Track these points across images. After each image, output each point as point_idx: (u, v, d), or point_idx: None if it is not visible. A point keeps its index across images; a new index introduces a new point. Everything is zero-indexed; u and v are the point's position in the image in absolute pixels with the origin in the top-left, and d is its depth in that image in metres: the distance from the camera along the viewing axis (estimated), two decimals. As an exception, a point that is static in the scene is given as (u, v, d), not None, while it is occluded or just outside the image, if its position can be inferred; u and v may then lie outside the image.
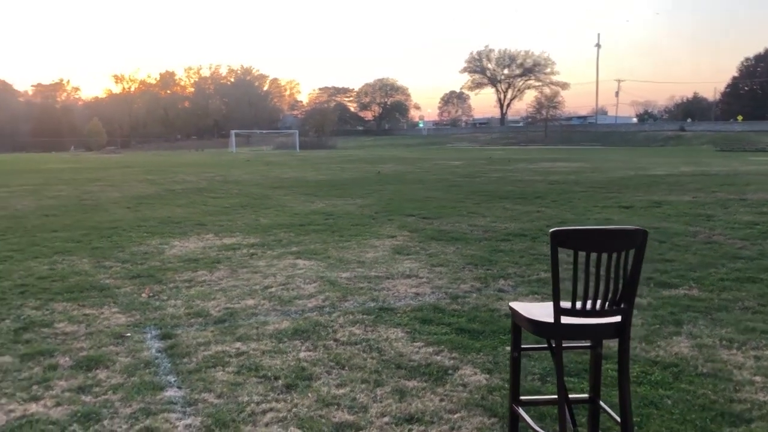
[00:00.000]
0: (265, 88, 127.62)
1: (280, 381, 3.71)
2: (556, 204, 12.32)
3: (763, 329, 4.54)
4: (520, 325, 2.81)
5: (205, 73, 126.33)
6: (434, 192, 15.22)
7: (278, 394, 3.52)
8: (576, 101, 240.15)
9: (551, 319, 2.56)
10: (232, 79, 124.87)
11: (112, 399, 3.47)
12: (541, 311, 2.70)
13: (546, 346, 2.86)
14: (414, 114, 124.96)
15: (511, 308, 2.88)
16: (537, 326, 2.63)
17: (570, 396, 3.02)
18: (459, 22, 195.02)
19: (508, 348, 4.19)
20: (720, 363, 3.93)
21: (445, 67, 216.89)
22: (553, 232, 2.47)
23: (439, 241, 8.25)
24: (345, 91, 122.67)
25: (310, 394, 3.51)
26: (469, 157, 38.50)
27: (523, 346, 2.95)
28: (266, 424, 3.16)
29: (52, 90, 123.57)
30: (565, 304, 2.55)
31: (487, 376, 3.78)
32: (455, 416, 3.24)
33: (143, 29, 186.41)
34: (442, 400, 3.44)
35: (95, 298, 5.58)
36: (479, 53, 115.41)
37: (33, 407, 3.36)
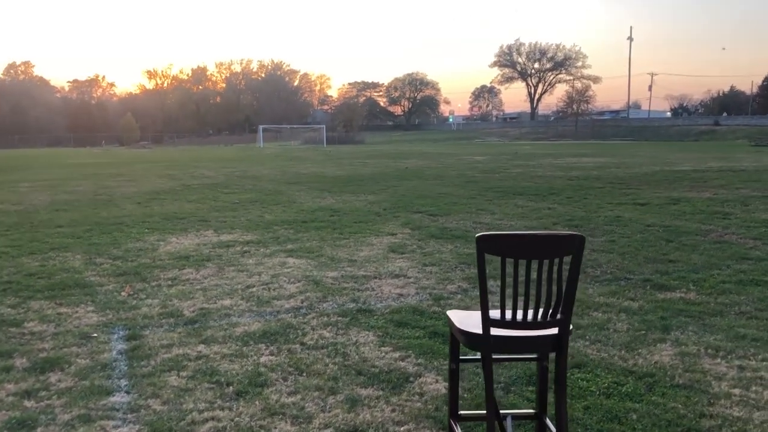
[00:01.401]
0: (296, 83, 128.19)
1: (231, 387, 3.58)
2: (570, 201, 12.02)
3: (754, 336, 4.28)
4: (455, 335, 2.63)
5: (237, 68, 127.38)
6: (449, 188, 15.00)
7: (225, 402, 3.39)
8: (608, 95, 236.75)
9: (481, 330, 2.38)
10: (263, 75, 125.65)
11: (54, 404, 3.37)
12: (475, 321, 2.52)
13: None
14: (444, 108, 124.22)
15: (447, 317, 2.70)
16: (467, 337, 2.45)
17: (515, 411, 2.84)
18: (489, 15, 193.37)
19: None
20: (699, 373, 3.69)
21: (475, 61, 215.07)
22: (478, 236, 2.30)
23: (438, 239, 8.06)
24: (375, 85, 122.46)
25: (257, 402, 3.38)
26: (494, 153, 38.06)
27: (462, 358, 2.76)
28: (202, 435, 3.03)
29: (87, 86, 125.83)
30: (495, 314, 2.37)
31: (446, 383, 3.59)
32: (402, 429, 3.07)
33: (176, 25, 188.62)
34: (393, 410, 3.27)
35: (74, 296, 5.52)
36: (509, 47, 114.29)
37: (-28, 412, 3.28)
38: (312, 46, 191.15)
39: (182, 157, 37.92)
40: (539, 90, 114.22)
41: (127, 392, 3.53)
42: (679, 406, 3.27)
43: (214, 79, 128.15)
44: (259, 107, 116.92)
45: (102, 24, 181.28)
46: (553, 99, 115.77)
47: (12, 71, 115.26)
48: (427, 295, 5.47)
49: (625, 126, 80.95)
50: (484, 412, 3.00)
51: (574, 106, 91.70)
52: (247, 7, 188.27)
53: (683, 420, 3.11)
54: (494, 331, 2.36)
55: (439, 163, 26.15)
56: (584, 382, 3.61)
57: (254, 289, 5.69)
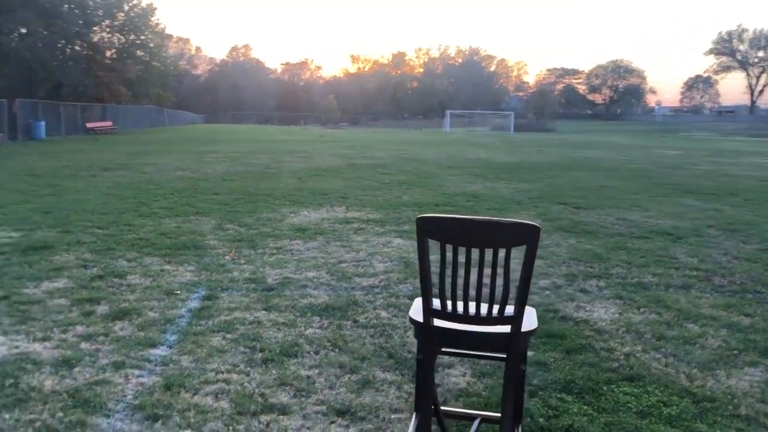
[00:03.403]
0: (492, 69, 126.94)
1: (261, 354, 3.67)
2: (746, 204, 10.68)
3: None
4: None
5: (435, 53, 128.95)
6: (615, 181, 14.02)
7: (247, 367, 3.49)
8: None
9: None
10: (460, 60, 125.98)
11: (102, 349, 3.68)
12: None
13: (458, 352, 2.47)
14: (650, 99, 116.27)
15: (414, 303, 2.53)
16: (415, 326, 2.27)
17: (487, 414, 2.59)
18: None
19: (529, 353, 3.75)
20: (773, 408, 3.12)
21: (687, 49, 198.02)
22: (418, 219, 2.11)
23: (564, 232, 7.59)
24: (574, 72, 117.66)
25: (275, 371, 3.43)
26: (694, 148, 34.86)
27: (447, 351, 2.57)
28: (206, 394, 3.15)
29: (297, 68, 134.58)
30: (438, 305, 2.17)
31: (474, 380, 3.39)
32: (393, 416, 2.95)
33: (382, 12, 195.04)
34: (398, 397, 3.16)
35: (184, 256, 5.97)
36: (729, 33, 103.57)
37: (34, 347, 3.69)
38: (511, 32, 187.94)
39: (366, 138, 39.30)
40: (761, 81, 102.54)
41: (170, 347, 3.76)
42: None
43: (412, 63, 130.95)
44: (454, 92, 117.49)
45: (315, 10, 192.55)
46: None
47: (234, 53, 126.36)
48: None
49: None
50: (463, 410, 2.80)
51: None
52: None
53: None
54: (439, 323, 2.16)
55: (623, 155, 24.54)
56: (626, 396, 3.22)
57: (344, 265, 5.77)
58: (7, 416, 2.86)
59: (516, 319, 2.10)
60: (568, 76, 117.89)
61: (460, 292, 2.13)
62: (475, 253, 2.16)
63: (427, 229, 2.09)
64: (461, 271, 2.10)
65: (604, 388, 3.32)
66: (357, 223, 7.85)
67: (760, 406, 3.14)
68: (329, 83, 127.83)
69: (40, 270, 5.35)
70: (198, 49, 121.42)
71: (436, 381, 3.36)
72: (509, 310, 2.12)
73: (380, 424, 2.88)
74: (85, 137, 32.00)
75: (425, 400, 2.18)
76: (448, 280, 2.20)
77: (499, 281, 2.17)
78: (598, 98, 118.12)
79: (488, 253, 2.16)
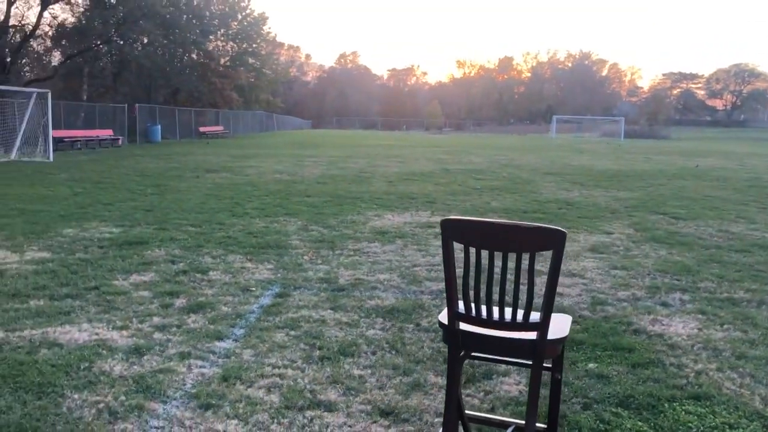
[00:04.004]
0: (604, 73, 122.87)
1: (319, 352, 3.75)
2: None
3: None
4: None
5: (543, 58, 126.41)
6: (723, 191, 13.23)
7: (303, 363, 3.57)
8: None
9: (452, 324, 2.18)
10: (570, 64, 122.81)
11: (173, 340, 3.89)
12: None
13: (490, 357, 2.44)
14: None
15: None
16: (443, 330, 2.26)
17: (520, 422, 2.53)
18: None
19: (591, 365, 3.64)
20: None
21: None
22: (442, 221, 2.11)
23: (656, 243, 7.25)
24: (693, 77, 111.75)
25: (329, 369, 3.50)
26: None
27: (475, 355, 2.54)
28: (259, 387, 3.25)
29: (403, 74, 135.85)
30: (463, 309, 2.15)
31: (526, 389, 3.31)
32: (436, 420, 2.94)
33: (488, 16, 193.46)
34: (442, 402, 3.13)
35: (266, 255, 6.19)
36: None
37: (112, 335, 3.95)
38: (624, 36, 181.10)
39: (467, 143, 39.08)
40: None
41: (235, 340, 3.91)
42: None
43: (519, 68, 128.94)
44: (562, 97, 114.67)
45: (423, 15, 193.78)
46: None
47: (342, 60, 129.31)
48: (589, 298, 5.01)
49: None
50: (490, 416, 2.74)
51: None
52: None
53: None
54: (464, 327, 2.14)
55: (738, 164, 23.08)
56: (688, 415, 3.05)
57: (418, 269, 5.78)
58: (76, 396, 3.08)
59: (542, 326, 2.05)
60: (686, 81, 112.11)
61: (485, 297, 2.10)
62: (509, 258, 2.13)
63: (452, 233, 2.08)
64: (486, 276, 2.08)
65: (666, 405, 3.15)
66: (438, 228, 7.83)
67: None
68: (434, 89, 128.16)
69: (131, 264, 5.71)
70: (308, 56, 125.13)
71: (488, 388, 3.32)
72: (535, 316, 2.07)
73: (422, 427, 2.88)
74: (197, 141, 33.75)
75: (452, 406, 2.17)
76: (482, 287, 2.18)
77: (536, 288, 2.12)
78: (718, 104, 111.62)
79: (523, 258, 2.12)
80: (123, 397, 3.08)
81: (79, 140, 25.14)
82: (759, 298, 5.09)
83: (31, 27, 30.73)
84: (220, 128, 41.17)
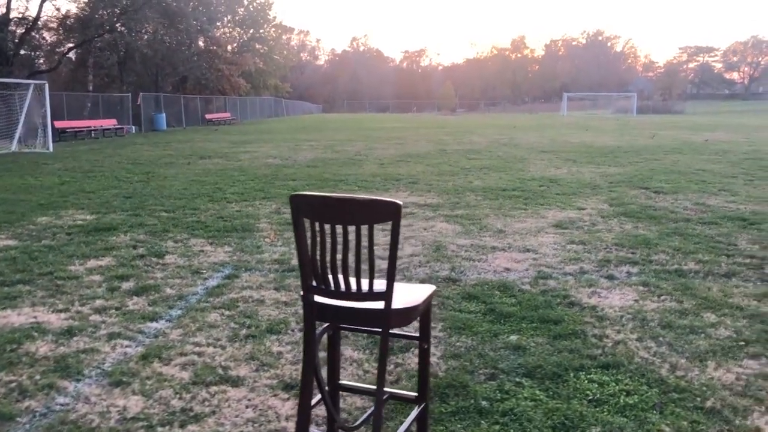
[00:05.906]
0: (618, 49, 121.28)
1: (246, 330, 3.83)
2: None
3: None
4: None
5: (556, 36, 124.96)
6: (717, 165, 13.09)
7: (227, 342, 3.65)
8: None
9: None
10: (584, 41, 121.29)
11: (109, 321, 3.99)
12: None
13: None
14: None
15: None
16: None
17: (395, 391, 2.59)
18: None
19: (513, 337, 3.69)
20: (758, 400, 2.88)
21: None
22: (291, 197, 2.15)
23: (625, 217, 7.24)
24: (709, 50, 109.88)
25: (250, 346, 3.58)
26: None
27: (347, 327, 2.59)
28: (175, 365, 3.34)
29: (416, 56, 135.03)
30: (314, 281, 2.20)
31: (436, 362, 3.37)
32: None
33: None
34: (350, 376, 3.20)
35: (229, 238, 6.27)
36: None
37: (49, 317, 4.05)
38: (639, 11, 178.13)
39: (474, 123, 38.88)
40: None
41: (168, 321, 4.00)
42: (666, 434, 2.63)
43: (532, 47, 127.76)
44: (577, 75, 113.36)
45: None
46: None
47: (354, 43, 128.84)
48: (535, 272, 5.04)
49: None
50: (361, 384, 2.77)
51: None
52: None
53: (647, 450, 2.50)
54: (319, 299, 2.20)
55: (745, 138, 22.77)
56: (591, 384, 3.09)
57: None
58: (-8, 376, 3.19)
59: (387, 296, 2.09)
60: (703, 54, 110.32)
61: (330, 269, 2.15)
62: (350, 230, 2.17)
63: (300, 208, 2.12)
64: (330, 249, 2.12)
65: (572, 374, 3.19)
66: (411, 208, 7.88)
67: (733, 399, 2.91)
68: (447, 70, 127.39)
69: (93, 249, 5.82)
70: (318, 40, 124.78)
71: (399, 361, 3.38)
72: (381, 286, 2.11)
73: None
74: (204, 128, 33.93)
75: (307, 375, 2.22)
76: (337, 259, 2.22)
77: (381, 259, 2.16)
78: (736, 77, 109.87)
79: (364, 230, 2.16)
80: (38, 377, 3.17)
81: (83, 130, 25.40)
82: (707, 269, 5.08)
83: (32, 19, 30.94)
84: (226, 115, 41.35)
